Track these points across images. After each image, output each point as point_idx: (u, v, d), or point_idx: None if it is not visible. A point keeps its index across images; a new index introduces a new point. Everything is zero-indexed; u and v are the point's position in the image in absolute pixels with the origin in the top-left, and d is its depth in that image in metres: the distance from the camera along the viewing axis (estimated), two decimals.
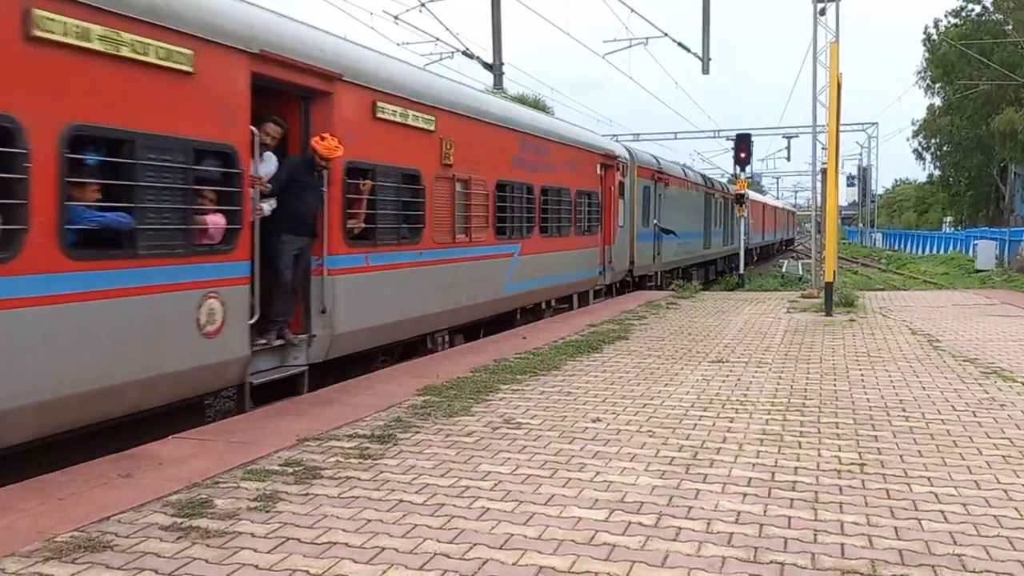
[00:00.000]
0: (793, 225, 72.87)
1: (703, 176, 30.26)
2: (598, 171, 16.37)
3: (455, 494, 4.58)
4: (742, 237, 28.14)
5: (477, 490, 4.65)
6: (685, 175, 25.60)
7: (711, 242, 29.42)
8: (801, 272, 31.37)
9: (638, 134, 53.40)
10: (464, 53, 21.07)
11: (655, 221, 20.58)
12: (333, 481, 4.80)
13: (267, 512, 4.26)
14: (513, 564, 3.63)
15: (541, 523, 4.14)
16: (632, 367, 8.70)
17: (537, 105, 18.44)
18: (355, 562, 3.64)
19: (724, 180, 40.35)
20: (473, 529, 4.05)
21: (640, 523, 4.14)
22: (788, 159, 60.47)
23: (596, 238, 16.18)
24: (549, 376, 8.17)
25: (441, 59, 21.53)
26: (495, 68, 21.35)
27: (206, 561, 3.63)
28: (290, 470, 4.99)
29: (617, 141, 22.90)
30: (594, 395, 7.27)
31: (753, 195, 37.28)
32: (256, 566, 3.59)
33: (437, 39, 21.93)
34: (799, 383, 7.89)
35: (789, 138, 56.36)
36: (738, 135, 26.36)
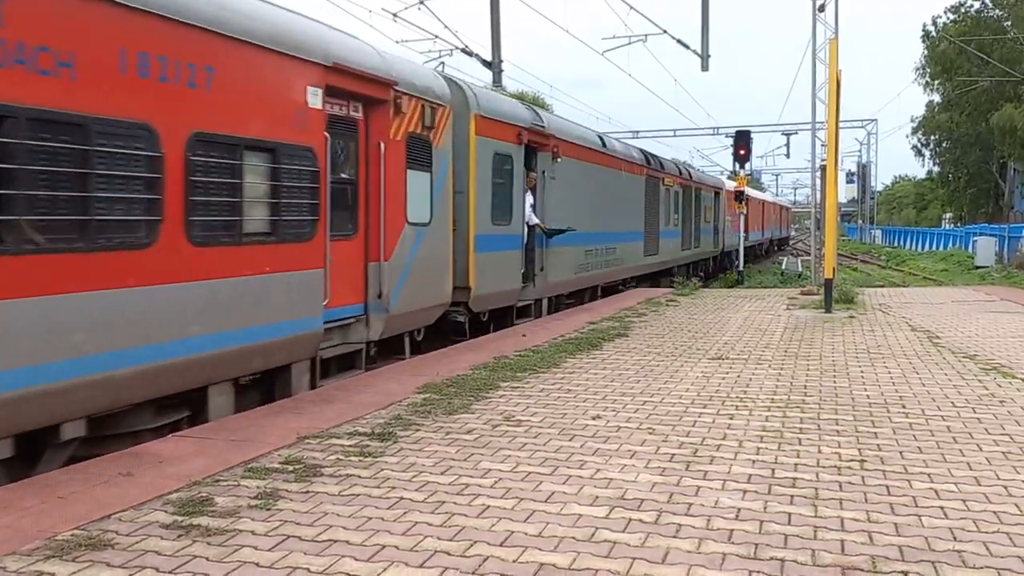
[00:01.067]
0: (787, 222, 66.01)
1: (644, 153, 20.91)
2: (314, 102, 7.58)
3: (455, 492, 4.58)
4: (741, 235, 28.14)
5: (477, 488, 4.66)
6: (604, 145, 17.01)
7: (660, 246, 21.42)
8: (800, 269, 31.38)
9: (637, 131, 53.43)
10: (463, 51, 21.05)
11: (530, 216, 13.05)
12: (333, 479, 4.80)
13: (268, 510, 4.26)
14: (513, 561, 3.63)
15: (541, 520, 4.14)
16: (632, 364, 8.70)
17: (536, 102, 18.35)
18: (355, 560, 3.64)
19: (713, 173, 39.47)
20: (473, 527, 4.05)
21: (640, 520, 4.15)
22: (787, 156, 60.58)
23: (309, 249, 7.53)
24: (549, 373, 8.17)
25: (440, 56, 21.48)
26: (494, 66, 21.33)
27: (207, 559, 3.63)
28: (290, 468, 4.99)
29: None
30: (594, 392, 7.28)
31: (727, 185, 32.82)
32: (257, 564, 3.59)
33: (436, 36, 21.88)
34: (799, 380, 7.89)
35: (788, 135, 56.45)
36: (737, 132, 26.37)
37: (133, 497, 4.43)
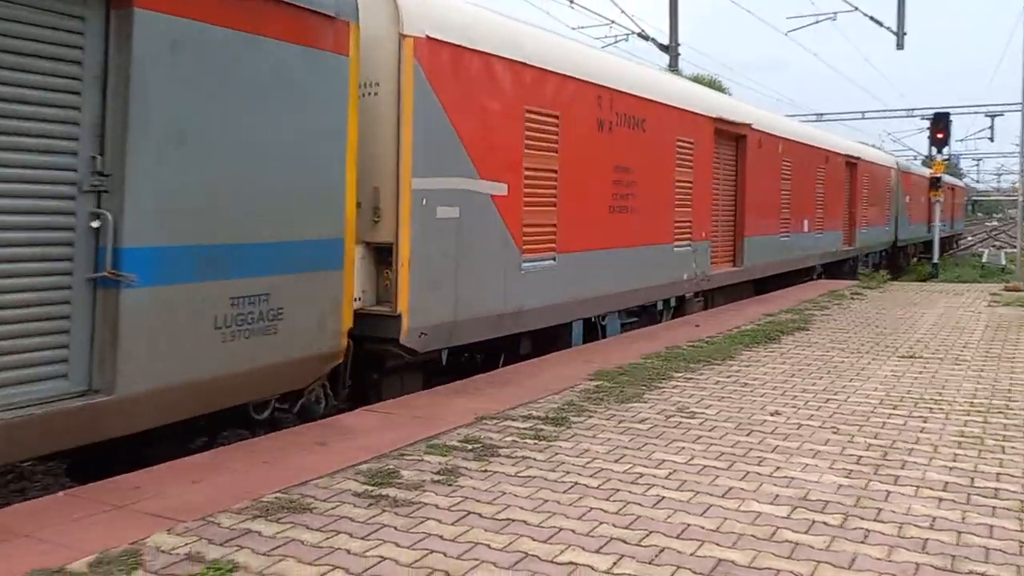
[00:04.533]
0: (956, 211, 44.73)
1: None
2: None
3: (629, 480, 4.59)
4: (937, 225, 26.18)
5: (651, 478, 4.64)
6: None
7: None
8: (1004, 262, 28.86)
9: (822, 114, 50.82)
10: (640, 35, 20.82)
11: None
12: (510, 460, 4.93)
13: (449, 486, 4.44)
14: (691, 555, 3.60)
15: (718, 515, 4.07)
16: (813, 359, 8.34)
17: (713, 85, 17.88)
18: (534, 540, 3.73)
19: (907, 159, 34.30)
20: (649, 516, 4.04)
21: (825, 523, 3.99)
22: (991, 139, 55.72)
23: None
24: (724, 366, 7.99)
25: (616, 42, 21.36)
26: (671, 49, 20.97)
27: (395, 528, 3.84)
28: (469, 447, 5.17)
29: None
30: (772, 387, 7.04)
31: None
32: (441, 537, 3.76)
33: (612, 22, 21.74)
34: (1002, 383, 7.28)
35: (993, 116, 51.76)
36: (936, 114, 24.52)
37: (328, 465, 4.75)
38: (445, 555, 3.56)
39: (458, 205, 7.09)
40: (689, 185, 11.66)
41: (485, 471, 4.72)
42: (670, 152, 11.10)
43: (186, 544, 3.60)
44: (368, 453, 4.99)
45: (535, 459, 4.96)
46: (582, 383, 7.12)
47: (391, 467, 4.72)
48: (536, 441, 5.34)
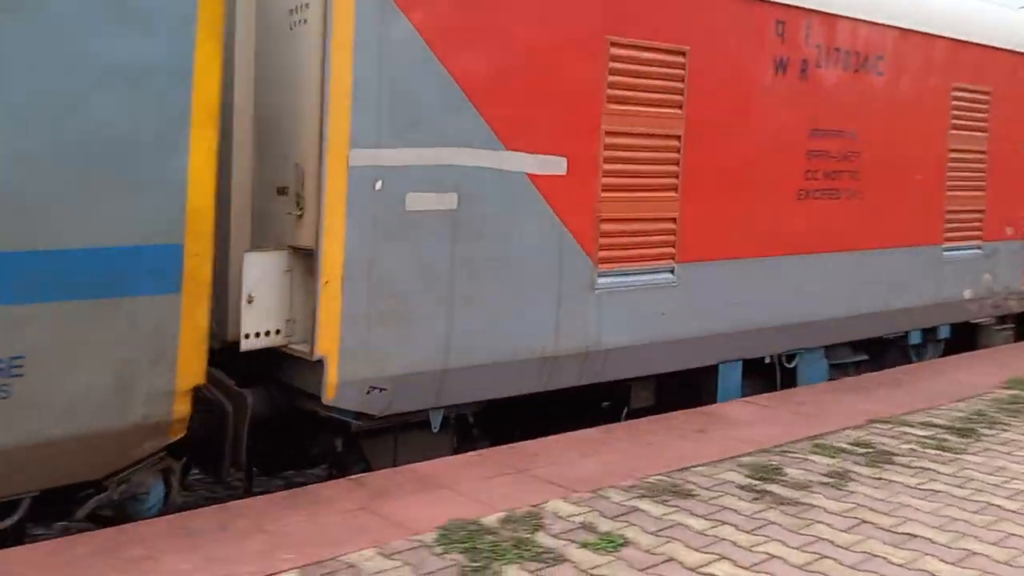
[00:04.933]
0: None
1: None
2: None
3: None
4: None
5: None
6: None
7: None
8: None
9: None
10: None
11: None
12: (908, 470, 4.54)
13: (839, 490, 4.21)
14: None
15: None
16: None
17: None
18: (941, 561, 3.40)
19: None
20: None
21: None
22: None
23: None
24: None
25: None
26: None
27: (781, 527, 3.74)
28: (860, 450, 4.85)
29: None
30: None
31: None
32: (832, 542, 3.58)
33: None
34: None
35: None
36: None
37: (708, 454, 4.76)
38: (838, 563, 3.39)
39: (453, 190, 4.53)
40: (979, 157, 7.76)
41: (879, 479, 4.39)
42: (939, 108, 7.34)
43: (580, 513, 3.85)
44: (749, 446, 4.91)
45: (938, 471, 4.51)
46: (993, 391, 6.32)
47: (774, 463, 4.59)
48: (939, 452, 4.85)
